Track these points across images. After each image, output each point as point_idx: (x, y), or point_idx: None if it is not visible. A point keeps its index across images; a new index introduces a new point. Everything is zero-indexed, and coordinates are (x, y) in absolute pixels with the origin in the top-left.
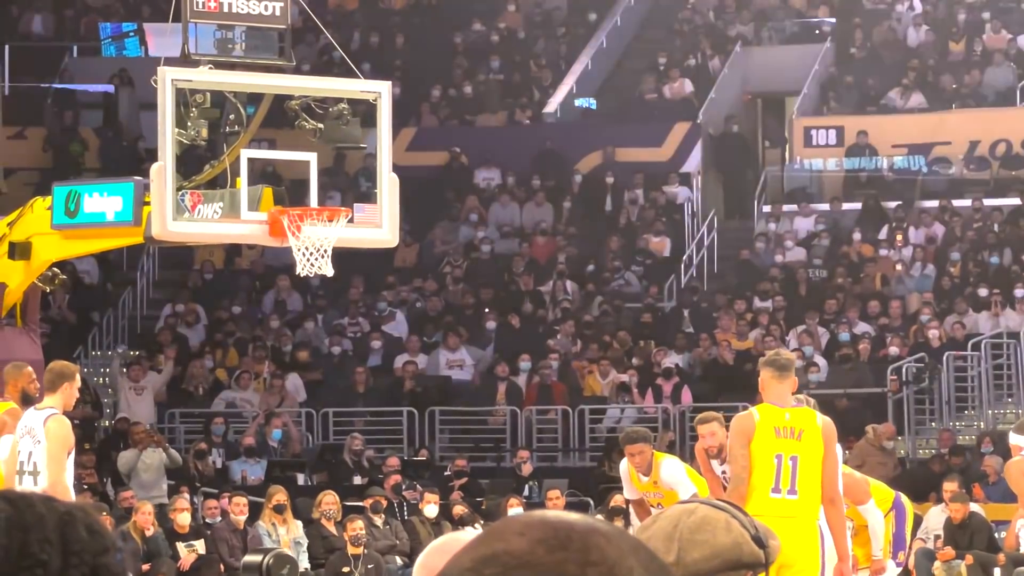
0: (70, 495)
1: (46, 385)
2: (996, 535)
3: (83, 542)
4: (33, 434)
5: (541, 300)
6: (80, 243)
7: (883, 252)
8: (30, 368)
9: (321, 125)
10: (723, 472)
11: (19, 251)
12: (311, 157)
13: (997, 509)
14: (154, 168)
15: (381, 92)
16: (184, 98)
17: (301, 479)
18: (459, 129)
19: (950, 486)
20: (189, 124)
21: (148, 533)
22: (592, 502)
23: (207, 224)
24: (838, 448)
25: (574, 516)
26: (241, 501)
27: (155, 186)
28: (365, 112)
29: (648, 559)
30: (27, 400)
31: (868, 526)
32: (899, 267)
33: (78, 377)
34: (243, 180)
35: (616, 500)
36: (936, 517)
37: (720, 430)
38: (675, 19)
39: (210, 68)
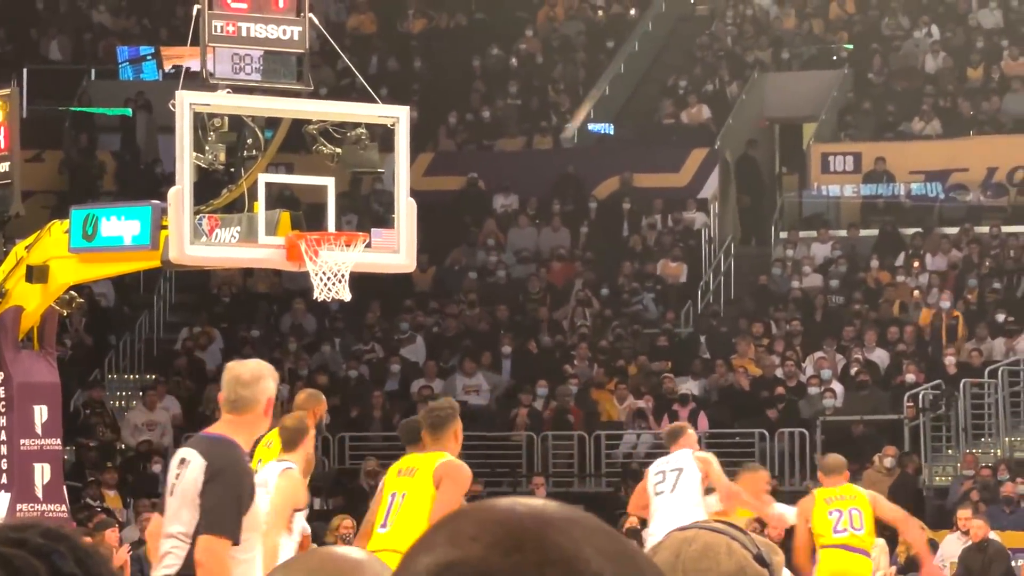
0: (276, 556)
1: (285, 442)
2: (1013, 563)
3: None
4: (267, 487)
5: (558, 325)
6: (97, 266)
7: (900, 279)
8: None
9: (339, 150)
10: None
11: (36, 274)
12: (329, 182)
13: (1015, 537)
14: (172, 192)
15: (399, 117)
16: (202, 122)
17: (317, 503)
18: (477, 154)
19: (964, 513)
20: (207, 148)
21: None
22: None
23: (224, 248)
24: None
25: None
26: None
27: (173, 210)
28: (383, 136)
29: (606, 542)
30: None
31: None
32: (916, 294)
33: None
34: (261, 204)
35: (631, 522)
36: (951, 545)
37: None
38: (693, 45)
39: (228, 92)
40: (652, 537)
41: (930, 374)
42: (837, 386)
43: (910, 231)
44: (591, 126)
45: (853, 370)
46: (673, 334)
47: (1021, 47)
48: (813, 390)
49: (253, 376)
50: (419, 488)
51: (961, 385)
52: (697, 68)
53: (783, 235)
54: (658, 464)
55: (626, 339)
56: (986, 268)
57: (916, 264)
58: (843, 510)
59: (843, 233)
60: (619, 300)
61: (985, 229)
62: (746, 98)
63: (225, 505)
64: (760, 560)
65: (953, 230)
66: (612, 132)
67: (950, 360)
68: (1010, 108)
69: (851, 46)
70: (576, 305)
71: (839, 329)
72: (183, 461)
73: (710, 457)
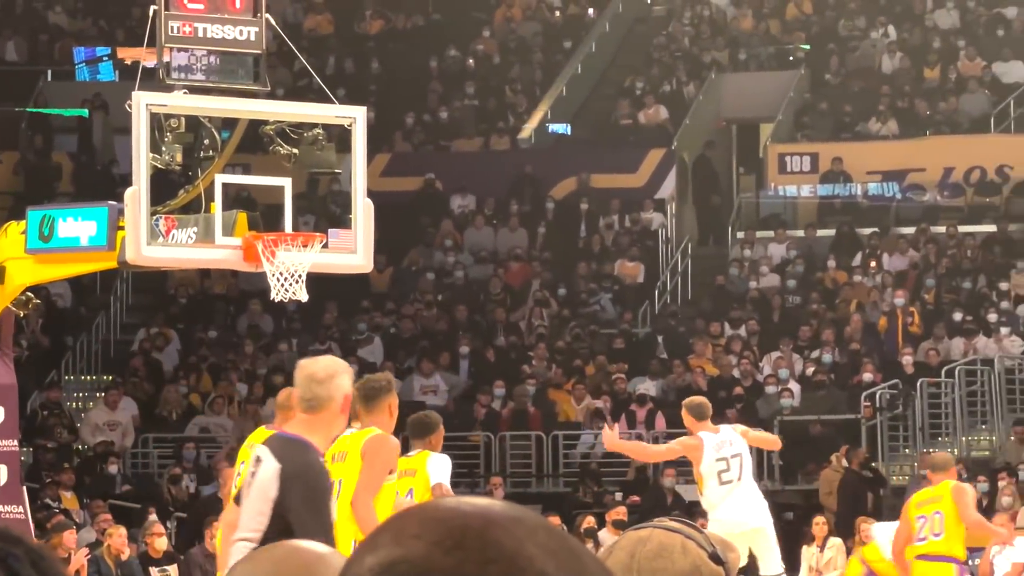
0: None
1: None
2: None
3: None
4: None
5: (515, 326)
6: (54, 267)
7: (857, 279)
8: None
9: (296, 150)
10: None
11: None
12: (286, 182)
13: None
14: (128, 193)
15: (356, 117)
16: (158, 123)
17: None
18: (434, 154)
19: None
20: (163, 149)
21: (123, 557)
22: (565, 528)
23: (181, 249)
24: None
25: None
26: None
27: (129, 211)
28: (340, 137)
29: (549, 539)
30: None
31: None
32: (873, 294)
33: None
34: (217, 205)
35: (588, 522)
36: None
37: None
38: (650, 45)
39: (184, 93)
40: (717, 523)
41: (887, 374)
42: (794, 386)
43: (867, 231)
44: (548, 127)
45: (810, 370)
46: (630, 334)
47: (978, 47)
48: (770, 390)
49: (327, 373)
50: (351, 472)
51: (918, 385)
52: (654, 69)
53: (740, 235)
54: (713, 443)
55: (584, 339)
56: (943, 268)
57: (873, 264)
58: (927, 515)
59: (800, 233)
60: (576, 300)
61: (942, 229)
62: (703, 99)
63: (313, 514)
64: (715, 558)
65: (910, 230)
66: (569, 133)
67: (907, 360)
68: (967, 108)
69: (808, 47)
70: (533, 305)
71: (796, 329)
72: (258, 460)
73: (746, 428)
